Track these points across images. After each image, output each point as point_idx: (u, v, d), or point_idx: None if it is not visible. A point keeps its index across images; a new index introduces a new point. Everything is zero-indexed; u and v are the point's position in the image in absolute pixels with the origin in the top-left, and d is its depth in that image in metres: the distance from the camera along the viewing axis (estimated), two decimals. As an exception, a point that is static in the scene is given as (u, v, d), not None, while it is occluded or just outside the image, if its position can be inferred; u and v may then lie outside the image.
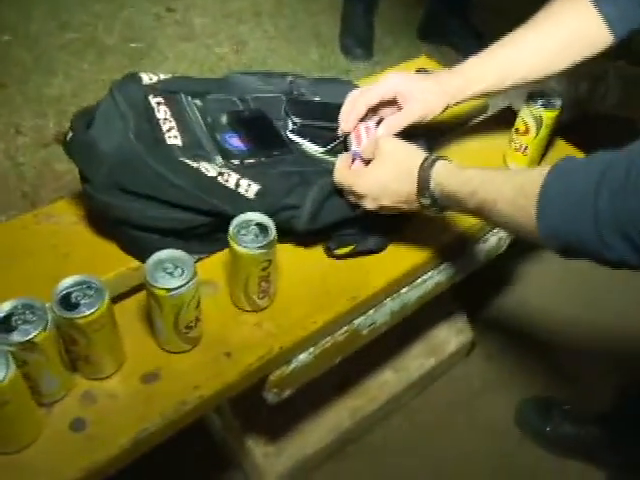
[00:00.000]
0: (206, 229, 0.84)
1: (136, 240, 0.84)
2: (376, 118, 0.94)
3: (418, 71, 1.25)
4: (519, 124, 1.04)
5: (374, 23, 2.21)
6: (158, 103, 0.86)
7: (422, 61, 1.34)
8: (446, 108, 0.92)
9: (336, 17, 2.30)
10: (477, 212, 0.76)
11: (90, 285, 0.68)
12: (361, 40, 2.16)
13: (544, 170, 0.67)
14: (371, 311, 0.92)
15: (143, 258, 0.85)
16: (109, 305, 0.69)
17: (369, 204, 0.84)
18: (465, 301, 1.38)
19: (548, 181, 0.66)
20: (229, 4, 2.33)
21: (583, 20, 0.91)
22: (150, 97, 0.87)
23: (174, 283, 0.69)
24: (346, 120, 0.92)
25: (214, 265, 0.88)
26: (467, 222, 0.98)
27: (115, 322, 0.72)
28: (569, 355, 1.42)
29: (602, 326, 1.48)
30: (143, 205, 0.79)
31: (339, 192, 0.86)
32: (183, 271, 0.71)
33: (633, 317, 1.49)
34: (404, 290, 0.96)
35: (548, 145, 1.08)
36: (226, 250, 0.88)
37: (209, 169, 0.80)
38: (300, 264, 0.89)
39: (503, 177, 0.74)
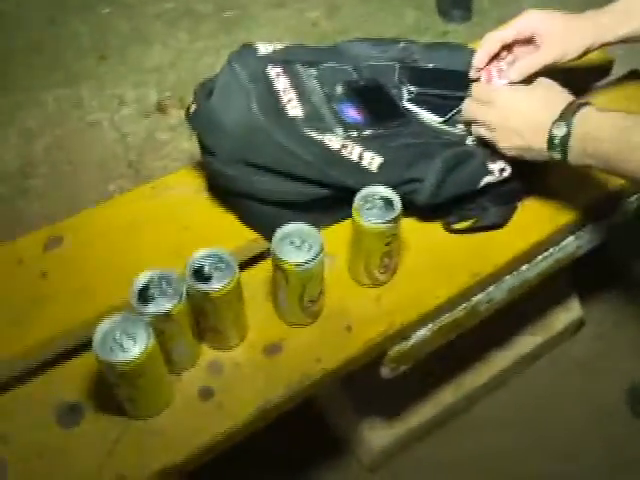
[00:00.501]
0: (328, 201, 0.83)
1: (258, 213, 0.84)
2: (510, 59, 0.87)
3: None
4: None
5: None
6: (277, 74, 0.85)
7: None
8: (588, 51, 0.85)
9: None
10: (616, 158, 0.71)
11: (222, 258, 0.69)
12: (458, 1, 2.07)
13: None
14: (490, 288, 0.89)
15: (263, 230, 0.87)
16: (239, 279, 0.69)
17: (496, 116, 0.79)
18: (575, 276, 1.32)
19: None
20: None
21: None
22: (269, 68, 0.86)
23: (303, 257, 0.69)
24: (479, 58, 0.86)
25: (333, 236, 0.86)
26: (597, 185, 0.92)
27: (242, 295, 0.73)
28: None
29: None
30: (267, 178, 0.79)
31: (463, 164, 0.83)
32: (311, 246, 0.70)
33: None
34: (524, 267, 0.92)
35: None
36: (345, 222, 0.88)
37: (333, 141, 0.78)
38: (420, 238, 0.87)
39: None
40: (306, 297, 0.73)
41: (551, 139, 0.75)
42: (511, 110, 0.79)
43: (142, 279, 0.67)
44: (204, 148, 0.82)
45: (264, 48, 0.91)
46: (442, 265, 0.85)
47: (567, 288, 1.31)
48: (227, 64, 0.87)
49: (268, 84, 0.83)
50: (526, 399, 1.30)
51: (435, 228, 0.89)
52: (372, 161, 0.79)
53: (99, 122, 1.75)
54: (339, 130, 0.82)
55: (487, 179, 0.83)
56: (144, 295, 0.66)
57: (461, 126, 0.91)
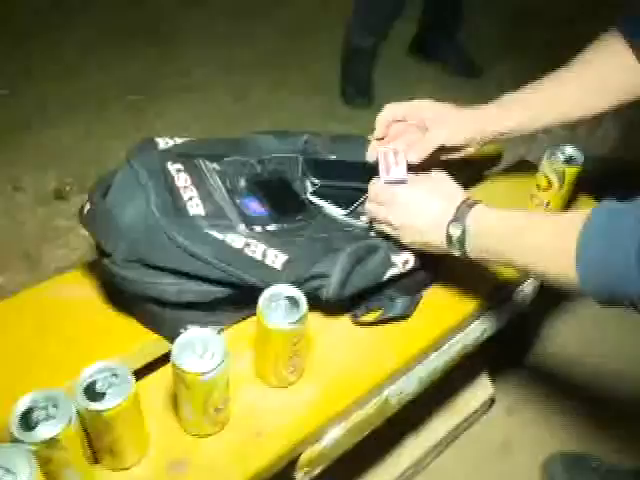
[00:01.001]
0: (232, 300, 0.81)
1: (158, 315, 0.80)
2: (402, 143, 0.89)
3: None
4: (540, 180, 1.02)
5: (373, 71, 2.22)
6: (178, 170, 0.83)
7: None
8: (476, 141, 0.90)
9: (335, 64, 2.31)
10: (510, 254, 0.74)
11: (115, 372, 0.64)
12: (361, 89, 2.16)
13: (582, 213, 0.67)
14: (400, 380, 0.88)
15: (164, 332, 0.83)
16: (136, 394, 0.64)
17: (396, 217, 0.81)
18: (483, 355, 1.34)
19: (588, 223, 0.65)
20: (231, 54, 2.33)
21: (621, 64, 0.91)
22: (169, 164, 0.84)
23: (205, 367, 0.65)
24: (378, 130, 0.92)
25: (238, 335, 0.84)
26: (496, 274, 0.96)
27: (140, 409, 0.68)
28: (596, 407, 1.38)
29: (629, 374, 1.44)
30: (167, 279, 0.76)
31: (367, 258, 0.83)
32: (213, 353, 0.67)
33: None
34: (433, 355, 0.92)
35: (570, 200, 1.06)
36: (249, 319, 0.85)
37: (235, 240, 0.77)
38: (327, 334, 0.86)
39: (543, 218, 0.75)
40: (211, 406, 0.69)
41: (449, 238, 0.78)
42: (409, 210, 0.81)
43: (24, 402, 0.60)
44: (98, 248, 0.78)
45: (164, 142, 0.90)
46: (351, 360, 0.83)
47: (477, 366, 1.33)
48: (126, 160, 0.85)
49: (168, 181, 0.81)
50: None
51: (342, 321, 0.88)
52: (276, 259, 0.78)
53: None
54: (241, 227, 0.81)
55: (391, 272, 0.84)
56: (27, 420, 0.60)
57: (364, 218, 0.93)
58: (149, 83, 2.17)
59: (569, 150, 1.00)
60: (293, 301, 0.73)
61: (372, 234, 0.89)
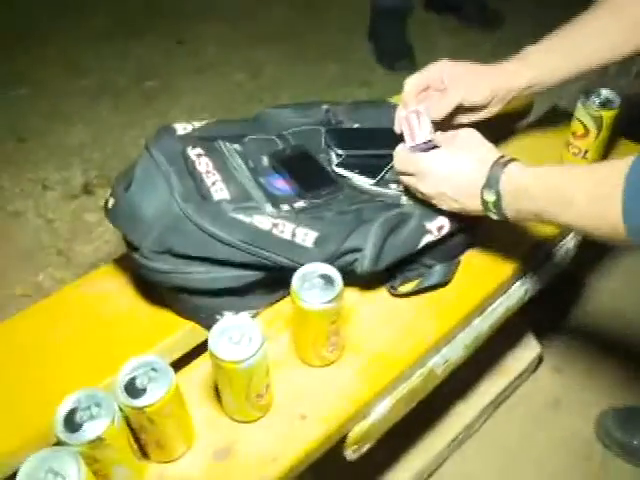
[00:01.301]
0: (264, 283, 0.79)
1: (191, 304, 0.79)
2: (422, 106, 0.87)
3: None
4: (576, 127, 0.97)
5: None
6: (198, 155, 0.81)
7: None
8: (497, 99, 0.87)
9: (347, 29, 2.25)
10: (549, 213, 0.70)
11: (154, 366, 0.63)
12: (403, 51, 2.08)
13: (628, 159, 0.63)
14: (444, 349, 0.86)
15: (199, 320, 0.82)
16: (177, 386, 0.63)
17: (427, 187, 0.78)
18: (526, 313, 1.31)
19: (633, 167, 0.62)
20: (238, 31, 2.29)
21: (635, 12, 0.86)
22: (189, 150, 0.82)
23: (243, 354, 0.64)
24: (400, 107, 0.89)
25: (274, 318, 0.82)
26: (535, 232, 0.92)
27: (183, 400, 0.67)
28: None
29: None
30: (197, 267, 0.74)
31: (400, 227, 0.80)
32: (250, 339, 0.65)
33: None
34: (476, 321, 0.89)
35: (608, 146, 1.01)
36: (285, 300, 0.83)
37: (263, 222, 0.74)
38: (365, 307, 0.83)
39: (581, 171, 0.70)
40: (253, 393, 0.68)
41: (485, 203, 0.75)
42: (438, 179, 0.77)
43: (67, 403, 0.60)
44: (126, 242, 0.77)
45: (182, 128, 0.87)
46: (392, 333, 0.81)
47: (522, 326, 1.30)
48: (145, 150, 0.83)
49: (190, 167, 0.79)
50: (496, 446, 1.26)
51: (380, 294, 0.85)
52: (306, 237, 0.75)
53: (22, 210, 1.67)
54: (268, 207, 0.78)
55: (426, 239, 0.81)
56: (71, 421, 0.59)
57: (394, 186, 0.89)
58: (161, 68, 2.15)
59: (604, 93, 0.95)
60: (327, 279, 0.71)
61: (403, 201, 0.86)
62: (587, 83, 1.04)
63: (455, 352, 0.88)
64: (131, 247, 0.76)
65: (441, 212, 0.81)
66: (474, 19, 2.22)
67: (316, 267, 0.72)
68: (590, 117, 0.94)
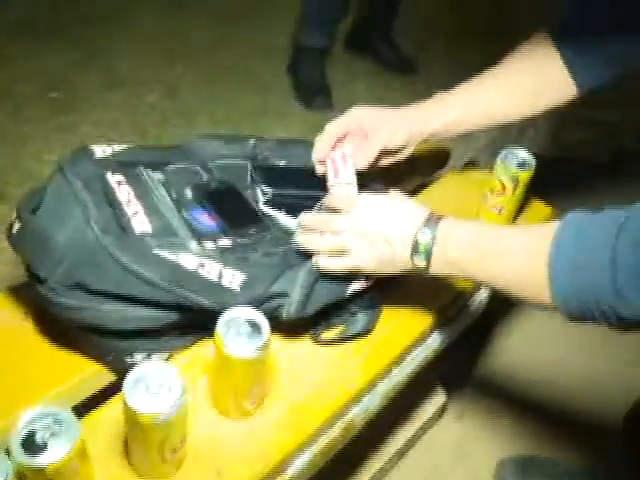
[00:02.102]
0: (180, 325, 0.74)
1: (100, 343, 0.72)
2: (348, 148, 0.89)
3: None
4: (494, 184, 1.00)
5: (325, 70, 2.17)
6: (118, 182, 0.75)
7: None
8: (413, 139, 0.91)
9: (269, 57, 2.24)
10: (479, 274, 0.71)
11: (57, 417, 0.56)
12: (319, 89, 2.10)
13: (553, 223, 0.66)
14: (365, 398, 0.84)
15: (107, 361, 0.75)
16: (83, 441, 0.57)
17: (357, 222, 0.75)
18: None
19: (560, 231, 0.64)
20: (155, 48, 2.22)
21: (548, 68, 0.93)
22: (108, 175, 0.76)
23: (162, 406, 0.58)
24: (317, 150, 0.89)
25: (190, 363, 0.77)
26: (453, 284, 0.93)
27: (88, 456, 0.60)
28: (545, 411, 1.39)
29: (577, 377, 1.45)
30: (110, 305, 0.68)
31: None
32: (170, 388, 0.60)
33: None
34: (395, 371, 0.88)
35: (522, 204, 1.05)
36: (201, 345, 0.79)
37: (188, 261, 0.69)
38: (286, 354, 0.80)
39: (510, 232, 0.72)
40: (168, 448, 0.62)
41: (416, 245, 0.73)
42: (374, 214, 0.76)
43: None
44: (29, 272, 0.69)
45: (101, 150, 0.81)
46: (313, 382, 0.78)
47: (429, 376, 1.31)
48: (58, 171, 0.76)
49: (109, 195, 0.73)
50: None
51: (301, 341, 0.82)
52: (233, 279, 0.71)
53: None
54: (193, 244, 0.74)
55: (353, 286, 0.79)
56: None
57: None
58: (68, 78, 2.02)
59: (522, 154, 0.99)
60: (254, 325, 0.67)
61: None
62: (494, 138, 1.09)
63: (374, 402, 0.86)
64: (35, 277, 0.68)
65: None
66: (389, 64, 2.29)
67: (242, 312, 0.68)
68: (508, 176, 0.98)
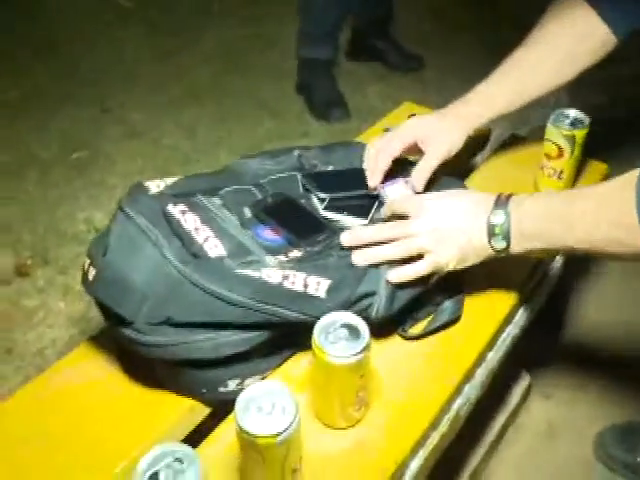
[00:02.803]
0: (270, 344, 0.71)
1: (192, 376, 0.70)
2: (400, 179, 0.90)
3: (410, 117, 1.19)
4: (549, 149, 0.97)
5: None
6: (182, 212, 0.74)
7: (407, 108, 1.27)
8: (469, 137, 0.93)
9: (277, 83, 2.25)
10: (563, 232, 0.69)
11: (177, 455, 0.54)
12: (334, 100, 2.08)
13: (631, 172, 0.65)
14: (466, 388, 0.80)
15: (201, 394, 0.73)
16: (206, 475, 0.54)
17: (424, 223, 0.74)
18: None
19: None
20: (163, 95, 2.23)
21: (583, 25, 0.91)
22: (170, 207, 0.74)
23: (279, 426, 0.56)
24: (372, 175, 0.89)
25: (288, 379, 0.74)
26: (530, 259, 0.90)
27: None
28: (631, 374, 1.33)
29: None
30: (200, 335, 0.66)
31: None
32: (284, 407, 0.57)
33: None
34: (489, 355, 0.85)
35: (580, 166, 1.02)
36: (293, 361, 0.76)
37: (272, 275, 0.67)
38: (378, 356, 0.77)
39: (585, 194, 0.71)
40: (288, 469, 0.60)
41: (492, 228, 0.72)
42: (443, 210, 0.75)
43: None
44: (113, 317, 0.67)
45: (155, 186, 0.80)
46: (412, 381, 0.75)
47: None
48: (119, 211, 0.74)
49: (174, 227, 0.72)
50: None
51: (390, 340, 0.80)
52: (319, 286, 0.69)
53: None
54: (269, 259, 0.72)
55: (436, 274, 0.77)
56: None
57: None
58: (87, 137, 2.04)
59: (573, 113, 0.96)
60: (351, 328, 0.65)
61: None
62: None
63: (475, 390, 0.83)
64: (119, 321, 0.66)
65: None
66: (396, 64, 2.28)
67: (336, 317, 0.66)
68: (563, 137, 0.95)
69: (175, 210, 0.74)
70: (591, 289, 1.53)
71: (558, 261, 1.00)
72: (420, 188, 0.87)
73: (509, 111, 0.94)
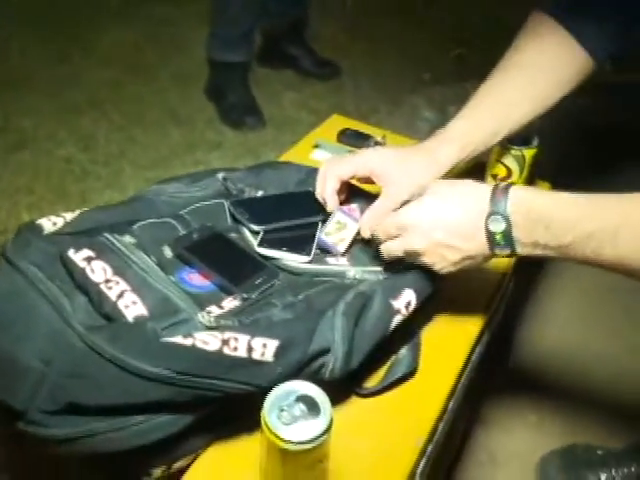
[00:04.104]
0: (205, 419, 0.58)
1: (108, 471, 0.56)
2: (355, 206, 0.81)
3: (343, 132, 1.09)
4: (497, 169, 0.91)
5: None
6: (87, 259, 0.59)
7: (336, 121, 1.17)
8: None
9: (183, 87, 2.08)
10: (582, 246, 0.59)
11: None
12: (248, 107, 1.95)
13: None
14: (429, 448, 0.71)
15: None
16: None
17: (417, 240, 0.65)
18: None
19: None
20: (57, 101, 2.00)
21: (563, 50, 0.82)
22: (70, 253, 0.59)
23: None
24: (325, 200, 0.79)
25: (220, 460, 0.61)
26: (486, 284, 0.84)
27: None
28: (569, 398, 1.30)
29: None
30: (118, 421, 0.52)
31: (365, 312, 0.64)
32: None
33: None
34: (451, 405, 0.76)
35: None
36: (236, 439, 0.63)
37: (208, 341, 0.54)
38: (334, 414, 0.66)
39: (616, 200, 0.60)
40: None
41: (492, 237, 0.63)
42: (429, 225, 0.65)
43: None
44: (3, 410, 0.51)
45: (51, 224, 0.65)
46: (375, 444, 0.65)
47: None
48: (2, 260, 0.58)
49: (79, 277, 0.57)
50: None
51: (347, 399, 0.69)
52: (265, 349, 0.56)
53: None
54: (202, 316, 0.58)
55: (396, 320, 0.66)
56: None
57: (332, 260, 0.75)
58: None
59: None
60: (309, 402, 0.53)
61: (350, 274, 0.71)
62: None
63: (437, 448, 0.74)
64: (9, 415, 0.51)
65: (405, 284, 0.68)
66: (310, 71, 2.18)
67: (289, 389, 0.53)
68: (512, 157, 0.88)
69: (78, 257, 0.59)
70: (531, 316, 1.49)
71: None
72: (367, 234, 0.75)
73: (486, 149, 0.82)
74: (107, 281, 0.57)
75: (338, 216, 0.79)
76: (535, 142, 0.89)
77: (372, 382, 0.70)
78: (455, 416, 0.78)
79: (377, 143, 1.06)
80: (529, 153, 0.88)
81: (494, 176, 0.91)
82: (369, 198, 0.81)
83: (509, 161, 0.89)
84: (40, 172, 1.72)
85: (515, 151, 0.88)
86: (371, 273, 0.71)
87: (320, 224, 0.79)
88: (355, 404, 0.69)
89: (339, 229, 0.78)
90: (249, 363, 0.55)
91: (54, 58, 2.21)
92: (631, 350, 1.41)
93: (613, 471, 1.16)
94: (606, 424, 1.25)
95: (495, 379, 1.26)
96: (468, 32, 2.45)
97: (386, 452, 0.65)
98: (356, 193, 0.83)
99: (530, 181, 0.94)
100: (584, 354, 1.39)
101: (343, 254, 0.76)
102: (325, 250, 0.77)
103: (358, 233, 0.77)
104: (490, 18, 2.52)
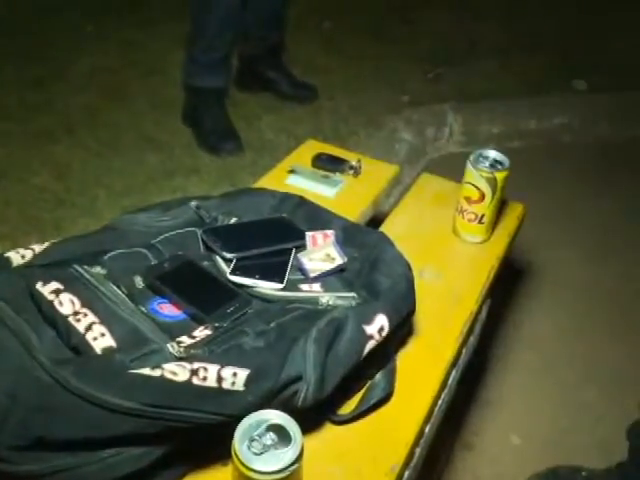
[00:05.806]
0: (176, 451, 0.57)
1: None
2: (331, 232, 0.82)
3: (318, 157, 1.09)
4: (470, 192, 0.91)
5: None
6: (56, 292, 0.58)
7: (310, 146, 1.18)
8: None
9: (159, 113, 2.08)
10: None
11: None
12: (227, 132, 1.94)
13: None
14: (406, 474, 0.70)
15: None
16: None
17: None
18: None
19: None
20: (27, 127, 1.99)
21: None
22: (38, 285, 0.58)
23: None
24: None
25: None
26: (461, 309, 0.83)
27: None
28: (554, 421, 1.31)
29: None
30: (89, 456, 0.51)
31: (338, 338, 0.64)
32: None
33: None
34: (427, 429, 0.76)
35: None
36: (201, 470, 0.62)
37: (177, 372, 0.53)
38: (308, 442, 0.65)
39: None
40: None
41: None
42: None
43: None
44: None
45: (19, 256, 0.64)
46: (344, 473, 0.64)
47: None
48: (-32, 295, 0.58)
49: (47, 310, 0.56)
50: None
51: (320, 426, 0.68)
52: (236, 378, 0.56)
53: None
54: (172, 347, 0.58)
55: (369, 346, 0.66)
56: None
57: (305, 286, 0.75)
58: None
59: (493, 154, 0.91)
60: (280, 431, 0.53)
61: (324, 302, 0.71)
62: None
63: (414, 473, 0.73)
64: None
65: (377, 310, 0.68)
66: (288, 94, 2.19)
67: (260, 418, 0.53)
68: (484, 180, 0.89)
69: (46, 289, 0.58)
70: (512, 338, 1.50)
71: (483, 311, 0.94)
72: None
73: None
74: (75, 313, 0.57)
75: (330, 250, 0.79)
76: (506, 164, 0.90)
77: (347, 408, 0.70)
78: (433, 441, 0.78)
79: (352, 167, 1.07)
80: (500, 176, 0.89)
81: (467, 199, 0.92)
82: (346, 224, 0.82)
83: (482, 184, 0.90)
84: (12, 201, 1.70)
85: (487, 173, 0.89)
86: (344, 299, 0.71)
87: (294, 250, 0.80)
88: (330, 430, 0.68)
89: (324, 260, 0.78)
90: (219, 393, 0.54)
91: (27, 83, 2.20)
92: (614, 370, 1.42)
93: (597, 492, 1.16)
94: (589, 445, 1.26)
95: (476, 403, 1.26)
96: (445, 52, 2.50)
97: (361, 478, 0.64)
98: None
99: (502, 203, 0.95)
100: (566, 375, 1.40)
101: (315, 280, 0.76)
102: (299, 270, 0.77)
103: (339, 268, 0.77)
104: (468, 38, 2.58)
